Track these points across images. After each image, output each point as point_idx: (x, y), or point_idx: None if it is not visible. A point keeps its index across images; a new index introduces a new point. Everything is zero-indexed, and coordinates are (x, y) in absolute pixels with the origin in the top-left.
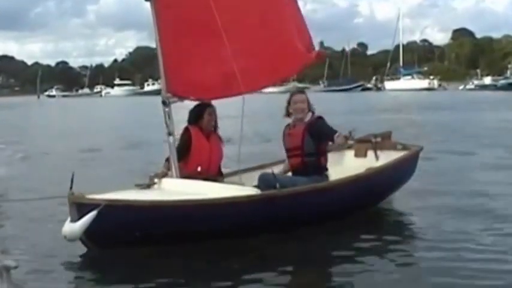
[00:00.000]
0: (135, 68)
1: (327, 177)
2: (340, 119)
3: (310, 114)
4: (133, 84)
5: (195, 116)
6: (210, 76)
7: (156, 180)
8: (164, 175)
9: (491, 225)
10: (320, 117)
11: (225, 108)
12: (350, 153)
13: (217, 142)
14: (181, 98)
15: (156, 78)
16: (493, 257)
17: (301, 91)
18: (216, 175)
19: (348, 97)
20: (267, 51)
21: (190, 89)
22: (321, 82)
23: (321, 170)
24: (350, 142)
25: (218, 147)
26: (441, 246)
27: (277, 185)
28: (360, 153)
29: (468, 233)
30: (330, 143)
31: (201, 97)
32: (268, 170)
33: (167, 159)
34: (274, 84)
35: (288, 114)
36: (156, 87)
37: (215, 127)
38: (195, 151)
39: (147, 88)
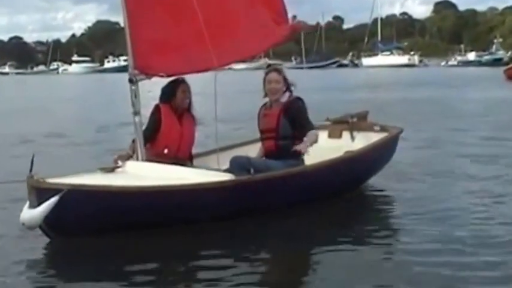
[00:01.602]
0: (95, 43)
1: (302, 161)
2: (314, 98)
3: (287, 94)
4: (92, 61)
5: (167, 93)
6: (181, 51)
7: (120, 163)
8: (129, 157)
9: (473, 208)
10: (299, 98)
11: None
12: (324, 134)
13: (190, 123)
14: (150, 75)
15: (117, 55)
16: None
17: (277, 69)
18: (185, 159)
19: (323, 74)
20: (238, 25)
21: (159, 64)
22: (293, 58)
23: (297, 154)
24: (325, 123)
25: (190, 128)
26: (420, 232)
27: (252, 170)
28: (335, 134)
29: (447, 218)
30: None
31: (171, 73)
32: (241, 152)
33: (134, 140)
34: (244, 60)
35: (266, 95)
36: (116, 64)
37: (189, 106)
38: (165, 132)
39: (107, 65)
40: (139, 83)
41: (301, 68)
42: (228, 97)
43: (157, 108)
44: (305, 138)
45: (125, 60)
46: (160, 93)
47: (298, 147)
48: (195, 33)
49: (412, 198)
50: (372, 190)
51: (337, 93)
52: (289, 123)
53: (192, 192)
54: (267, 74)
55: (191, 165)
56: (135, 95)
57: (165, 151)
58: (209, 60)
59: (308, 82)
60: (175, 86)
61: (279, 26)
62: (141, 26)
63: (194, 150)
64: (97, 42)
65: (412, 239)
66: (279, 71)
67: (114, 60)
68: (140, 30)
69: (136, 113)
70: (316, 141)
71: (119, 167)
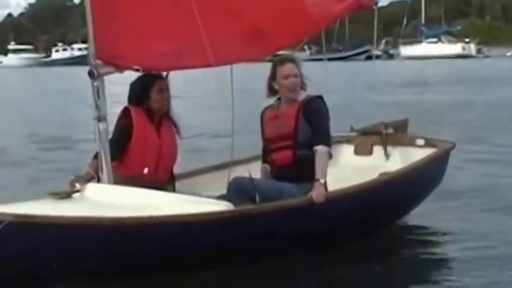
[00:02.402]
0: (39, 26)
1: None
2: (334, 99)
3: (302, 93)
4: (35, 50)
5: (140, 92)
6: (168, 36)
7: (78, 186)
8: (89, 178)
9: None
10: (319, 97)
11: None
12: (349, 150)
13: (170, 132)
14: (119, 67)
15: (68, 42)
16: None
17: (290, 59)
18: (164, 181)
19: (347, 68)
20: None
21: (134, 54)
22: (306, 47)
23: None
24: (349, 134)
25: (171, 139)
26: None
27: (257, 197)
28: (363, 150)
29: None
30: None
31: (151, 67)
32: (242, 172)
33: (95, 156)
34: (263, 59)
35: (274, 93)
36: (68, 54)
37: (168, 110)
38: (137, 144)
39: (55, 55)
40: (106, 79)
41: (320, 59)
42: (215, 100)
43: (126, 112)
44: (317, 170)
45: (81, 49)
46: (128, 92)
47: (314, 194)
48: (185, 15)
49: (466, 237)
50: (410, 225)
51: (366, 93)
52: (309, 126)
53: (174, 227)
54: (277, 65)
55: (173, 190)
56: (98, 94)
57: (145, 170)
58: (203, 55)
59: (327, 78)
60: (148, 84)
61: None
62: (105, 2)
63: (175, 170)
64: (42, 25)
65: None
66: (294, 62)
67: (65, 49)
68: (108, 6)
69: (100, 118)
70: (327, 164)
71: (76, 192)
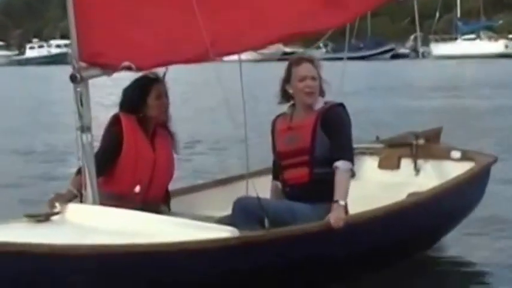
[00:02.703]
0: (11, 19)
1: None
2: (355, 105)
3: (321, 99)
4: (7, 47)
5: (132, 99)
6: (161, 29)
7: (58, 207)
8: (71, 198)
9: None
10: (340, 105)
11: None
12: (373, 163)
13: (166, 144)
14: (107, 68)
15: (45, 38)
16: None
17: (308, 58)
18: (159, 200)
19: (369, 68)
20: None
21: (123, 51)
22: (322, 45)
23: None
24: (375, 145)
25: (167, 152)
26: None
27: (267, 220)
28: (389, 164)
29: None
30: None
31: (145, 65)
32: (248, 189)
33: (78, 172)
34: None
35: (287, 98)
36: (45, 52)
37: (166, 118)
38: (128, 158)
39: (30, 53)
40: (90, 83)
41: (338, 58)
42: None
43: (116, 121)
44: (336, 190)
45: (59, 46)
46: (121, 98)
47: (332, 217)
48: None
49: (501, 271)
50: (437, 254)
51: (392, 98)
52: (328, 139)
53: (170, 257)
54: (293, 65)
55: (168, 212)
56: (81, 101)
57: (136, 189)
58: (200, 47)
59: (347, 81)
60: (145, 88)
61: None
62: None
63: (170, 185)
64: (14, 18)
65: None
66: (313, 62)
67: (41, 46)
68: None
69: (83, 128)
70: (349, 183)
71: (56, 214)
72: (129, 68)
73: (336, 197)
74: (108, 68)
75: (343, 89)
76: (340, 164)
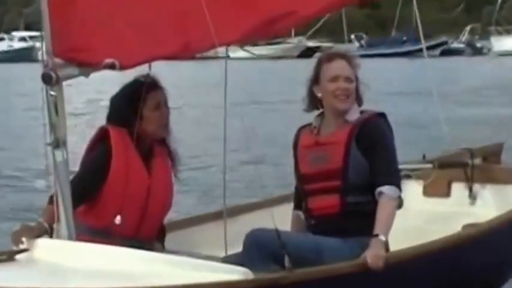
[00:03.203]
0: None
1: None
2: (395, 114)
3: (356, 108)
4: None
5: (124, 108)
6: (147, 18)
7: (25, 242)
8: (42, 232)
9: None
10: (380, 115)
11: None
12: (418, 188)
13: (165, 166)
14: (87, 66)
15: (6, 29)
16: None
17: (343, 54)
18: (152, 236)
19: (413, 67)
20: None
21: (104, 45)
22: (353, 37)
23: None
24: (421, 166)
25: (165, 176)
26: None
27: (286, 259)
28: (439, 189)
29: None
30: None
31: (131, 61)
32: (262, 220)
33: (51, 200)
34: (264, 38)
35: (315, 104)
36: (5, 45)
37: (166, 132)
38: (116, 183)
39: None
40: (66, 85)
41: (374, 55)
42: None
43: (103, 136)
44: (378, 222)
45: (24, 40)
46: (109, 108)
47: (369, 255)
48: None
49: None
50: None
51: (443, 105)
52: (365, 159)
53: None
54: (323, 62)
55: (162, 250)
56: (56, 108)
57: (116, 220)
58: (198, 35)
59: (384, 83)
60: (139, 96)
61: None
62: None
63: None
64: None
65: None
66: (348, 59)
67: (0, 39)
68: None
69: (58, 143)
70: (394, 215)
71: (22, 252)
72: (112, 66)
73: (377, 230)
74: (88, 66)
75: (380, 92)
76: (386, 190)
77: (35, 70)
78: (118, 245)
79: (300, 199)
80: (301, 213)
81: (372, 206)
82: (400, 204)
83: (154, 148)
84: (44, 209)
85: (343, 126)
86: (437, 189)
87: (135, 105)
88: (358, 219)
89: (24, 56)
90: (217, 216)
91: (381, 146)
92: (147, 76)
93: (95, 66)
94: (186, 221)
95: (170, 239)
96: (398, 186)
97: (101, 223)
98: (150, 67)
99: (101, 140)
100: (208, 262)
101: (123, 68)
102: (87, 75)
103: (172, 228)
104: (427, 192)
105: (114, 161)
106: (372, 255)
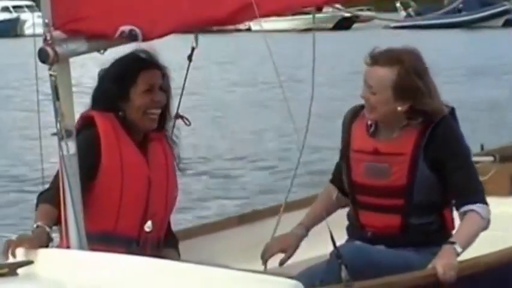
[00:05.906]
0: None
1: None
2: (447, 97)
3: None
4: None
5: (113, 88)
6: None
7: (26, 253)
8: (45, 239)
9: None
10: (451, 112)
11: None
12: None
13: (166, 153)
14: (97, 40)
15: None
16: None
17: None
18: (161, 235)
19: (472, 41)
20: None
21: (119, 12)
22: (399, 5)
23: (445, 239)
24: (479, 158)
25: (167, 164)
26: None
27: (343, 270)
28: (499, 187)
29: None
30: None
31: (153, 30)
32: (288, 224)
33: (44, 198)
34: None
35: None
36: None
37: (164, 120)
38: (111, 176)
39: None
40: (74, 62)
41: (425, 26)
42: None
43: (88, 123)
44: (459, 232)
45: (6, 9)
46: (94, 89)
47: (439, 264)
48: None
49: None
50: None
51: (504, 87)
52: (433, 175)
53: None
54: None
55: (178, 257)
56: (56, 93)
57: (147, 227)
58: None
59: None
60: (133, 73)
61: None
62: None
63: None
64: None
65: None
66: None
67: None
68: None
69: (65, 133)
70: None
71: (25, 264)
72: (132, 37)
73: (455, 238)
74: (100, 39)
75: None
76: (478, 208)
77: (21, 46)
78: (123, 253)
79: (339, 174)
80: (336, 191)
81: (437, 226)
82: (486, 225)
83: (152, 138)
84: (39, 209)
85: (406, 130)
86: (498, 186)
87: (125, 85)
88: (423, 236)
89: (5, 30)
90: (236, 222)
91: (458, 156)
92: (144, 51)
93: (109, 39)
94: (199, 227)
95: (187, 247)
96: (486, 204)
97: (98, 227)
98: (196, 40)
99: (85, 127)
100: (252, 274)
101: (146, 38)
102: (101, 51)
103: (183, 237)
104: (486, 190)
105: (105, 153)
106: (443, 264)
